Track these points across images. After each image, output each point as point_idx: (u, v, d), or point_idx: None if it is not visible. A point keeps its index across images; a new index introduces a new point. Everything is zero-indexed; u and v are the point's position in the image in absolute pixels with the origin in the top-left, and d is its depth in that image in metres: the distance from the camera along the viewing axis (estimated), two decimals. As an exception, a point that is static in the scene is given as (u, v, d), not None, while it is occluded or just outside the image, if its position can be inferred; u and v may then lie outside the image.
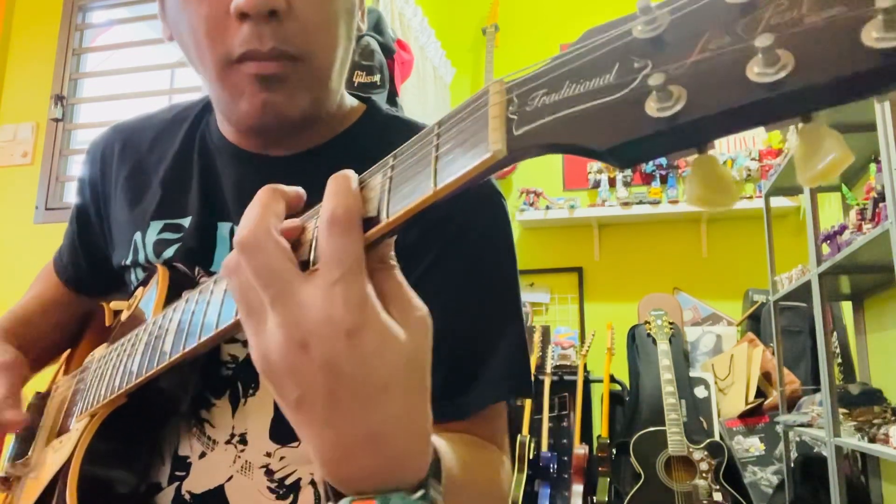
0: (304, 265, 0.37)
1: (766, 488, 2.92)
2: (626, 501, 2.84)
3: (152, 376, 0.57)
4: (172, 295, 0.65)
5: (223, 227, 0.72)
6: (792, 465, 2.83)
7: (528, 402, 3.19)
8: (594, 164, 3.83)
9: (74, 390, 0.76)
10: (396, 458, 0.37)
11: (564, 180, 3.88)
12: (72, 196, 3.11)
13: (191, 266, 0.72)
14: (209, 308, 0.49)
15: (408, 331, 0.36)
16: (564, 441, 3.23)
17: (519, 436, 3.08)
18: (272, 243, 0.36)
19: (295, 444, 0.66)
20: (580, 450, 3.06)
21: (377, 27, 2.52)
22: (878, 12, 0.21)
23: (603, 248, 3.74)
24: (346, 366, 0.34)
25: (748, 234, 3.49)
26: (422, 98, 3.09)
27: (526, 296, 3.68)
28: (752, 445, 3.02)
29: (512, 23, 4.02)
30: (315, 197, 0.39)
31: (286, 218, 0.39)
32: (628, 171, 3.77)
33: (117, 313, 0.79)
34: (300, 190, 0.41)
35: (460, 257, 0.67)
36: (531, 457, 3.08)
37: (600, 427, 3.20)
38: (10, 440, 0.82)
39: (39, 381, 0.87)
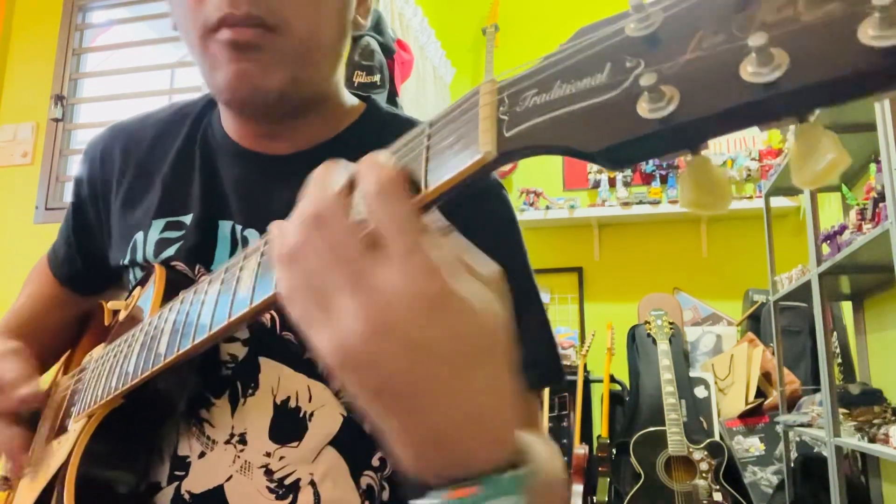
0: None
1: (766, 488, 2.92)
2: (626, 501, 2.84)
3: (147, 378, 0.57)
4: (170, 295, 0.65)
5: (224, 226, 0.72)
6: (792, 465, 2.83)
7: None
8: (594, 164, 3.82)
9: (73, 390, 0.76)
10: (495, 434, 0.34)
11: (564, 180, 3.88)
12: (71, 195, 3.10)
13: (191, 264, 0.72)
14: (203, 309, 0.49)
15: (489, 287, 0.34)
16: (564, 441, 3.23)
17: (519, 436, 3.08)
18: (345, 217, 0.33)
19: (294, 444, 0.66)
20: (580, 450, 3.05)
21: (377, 27, 2.52)
22: (875, 9, 0.20)
23: (603, 248, 3.74)
24: (433, 341, 0.32)
25: (748, 234, 3.49)
26: (422, 98, 3.08)
27: (526, 296, 3.67)
28: (752, 445, 3.01)
29: (512, 23, 4.02)
30: None
31: None
32: (628, 171, 3.77)
33: (115, 313, 0.79)
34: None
35: None
36: (531, 457, 3.08)
37: (600, 427, 3.20)
38: None
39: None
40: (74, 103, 3.20)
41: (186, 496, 0.66)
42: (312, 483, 0.66)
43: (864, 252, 2.04)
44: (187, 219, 0.73)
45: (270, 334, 0.67)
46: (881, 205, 1.99)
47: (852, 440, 2.11)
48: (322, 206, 0.34)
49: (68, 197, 3.13)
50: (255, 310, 0.42)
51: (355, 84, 2.41)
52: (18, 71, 3.24)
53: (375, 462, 0.68)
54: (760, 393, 3.08)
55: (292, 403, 0.67)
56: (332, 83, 0.74)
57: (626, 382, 3.37)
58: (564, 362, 3.37)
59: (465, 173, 0.31)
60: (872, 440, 2.03)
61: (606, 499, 2.91)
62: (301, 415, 0.66)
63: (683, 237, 3.63)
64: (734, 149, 3.70)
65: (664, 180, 3.69)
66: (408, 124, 0.77)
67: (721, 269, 3.55)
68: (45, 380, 0.87)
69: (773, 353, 3.01)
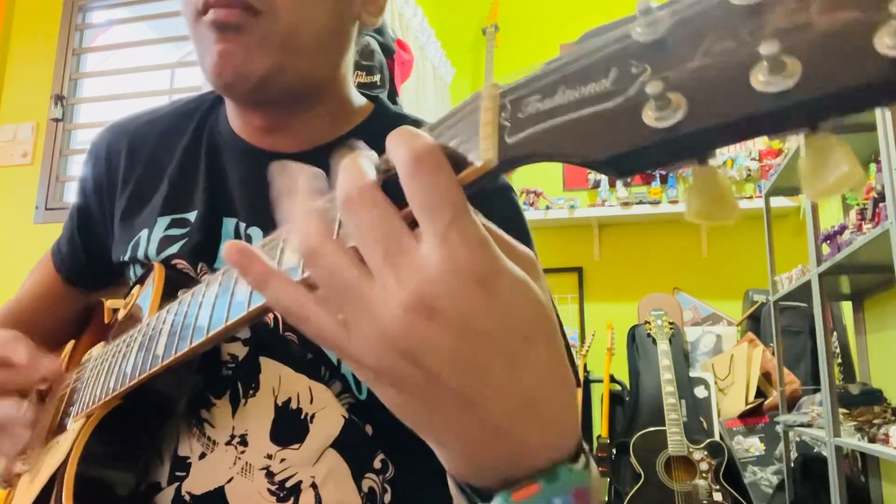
0: None
1: (766, 488, 2.92)
2: (626, 501, 2.84)
3: (145, 380, 0.57)
4: (168, 294, 0.65)
5: (228, 223, 0.72)
6: (792, 465, 2.82)
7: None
8: (594, 165, 3.82)
9: (72, 389, 0.76)
10: (554, 424, 0.32)
11: (564, 180, 3.88)
12: (72, 196, 3.11)
13: (194, 262, 0.71)
14: (201, 311, 0.49)
15: (529, 273, 0.32)
16: (564, 441, 3.22)
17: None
18: (378, 197, 0.31)
19: (296, 446, 0.66)
20: (580, 450, 3.05)
21: (377, 27, 2.52)
22: (892, 18, 0.20)
23: (603, 248, 3.74)
24: (484, 321, 0.29)
25: (748, 234, 3.49)
26: (422, 98, 3.08)
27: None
28: (752, 445, 3.01)
29: (512, 23, 4.02)
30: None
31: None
32: (628, 171, 3.77)
33: (115, 311, 0.79)
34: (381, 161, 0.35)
35: None
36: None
37: (600, 427, 3.20)
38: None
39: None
40: (74, 103, 3.20)
41: (187, 497, 0.66)
42: (314, 485, 0.65)
43: (864, 252, 2.04)
44: (192, 216, 0.73)
45: (272, 334, 0.67)
46: (881, 205, 1.99)
47: (852, 440, 2.11)
48: (351, 188, 0.31)
49: (68, 197, 3.15)
50: (252, 313, 0.42)
51: (355, 84, 2.41)
52: (18, 71, 3.24)
53: (377, 464, 0.67)
54: (760, 393, 3.08)
55: (293, 405, 0.66)
56: (334, 79, 0.73)
57: (626, 382, 3.37)
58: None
59: (464, 180, 0.30)
60: (872, 440, 2.03)
61: (606, 499, 2.91)
62: (302, 416, 0.66)
63: (683, 237, 3.63)
64: (734, 149, 3.69)
65: (664, 180, 3.69)
66: (415, 125, 0.77)
67: (721, 269, 3.55)
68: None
69: (773, 353, 3.01)
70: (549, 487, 0.31)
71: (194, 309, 0.50)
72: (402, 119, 0.78)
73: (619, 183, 3.72)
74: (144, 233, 0.75)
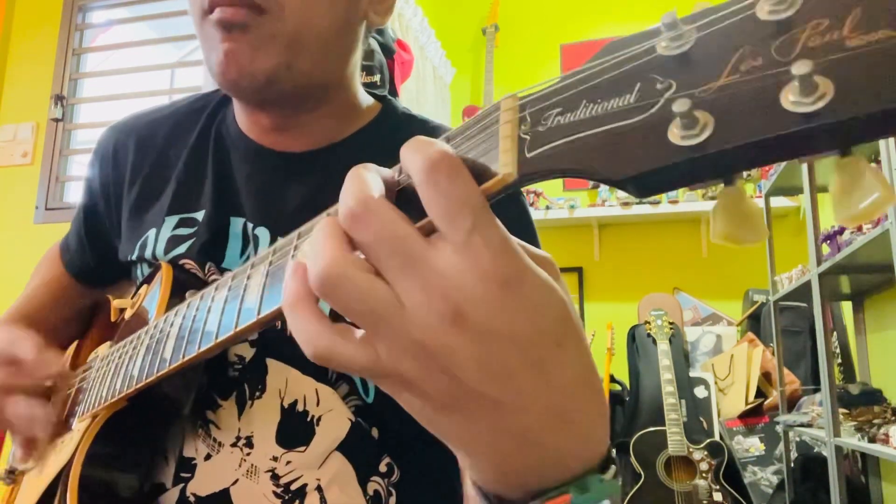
0: None
1: (766, 488, 2.92)
2: (625, 501, 2.84)
3: (152, 383, 0.57)
4: (176, 294, 0.65)
5: (236, 223, 0.72)
6: (792, 465, 2.83)
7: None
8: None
9: (78, 388, 0.76)
10: (583, 431, 0.31)
11: (564, 180, 3.87)
12: (72, 196, 3.10)
13: (202, 262, 0.71)
14: (210, 316, 0.48)
15: (550, 274, 0.31)
16: (564, 441, 3.23)
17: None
18: (387, 207, 0.30)
19: (301, 448, 0.65)
20: (580, 450, 3.05)
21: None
22: None
23: (603, 248, 3.74)
24: (513, 326, 0.28)
25: (748, 234, 3.48)
26: (422, 98, 3.08)
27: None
28: (752, 445, 3.01)
29: (512, 23, 4.02)
30: (332, 195, 0.34)
31: None
32: (628, 171, 3.77)
33: (122, 310, 0.79)
34: (391, 172, 0.34)
35: None
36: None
37: (600, 427, 3.20)
38: (9, 442, 0.82)
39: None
40: (74, 103, 3.20)
41: (192, 498, 0.66)
42: (319, 489, 0.65)
43: (864, 252, 2.04)
44: (199, 215, 0.73)
45: (279, 335, 0.66)
46: (881, 205, 1.98)
47: (852, 440, 2.11)
48: (354, 202, 0.30)
49: (68, 197, 3.14)
50: (261, 321, 0.41)
51: (355, 84, 2.41)
52: (18, 71, 3.23)
53: (383, 468, 0.67)
54: (760, 393, 3.08)
55: (300, 407, 0.66)
56: (341, 79, 0.73)
57: (626, 382, 3.37)
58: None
59: (484, 193, 0.29)
60: (872, 440, 2.03)
61: (606, 499, 2.91)
62: (308, 419, 0.66)
63: (683, 237, 3.63)
64: (734, 149, 3.70)
65: (664, 180, 3.69)
66: (423, 126, 0.77)
67: (721, 269, 3.55)
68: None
69: (773, 353, 3.01)
70: (581, 498, 0.30)
71: (203, 313, 0.50)
72: (410, 119, 0.78)
73: (618, 183, 3.71)
74: (152, 232, 0.75)
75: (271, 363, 0.67)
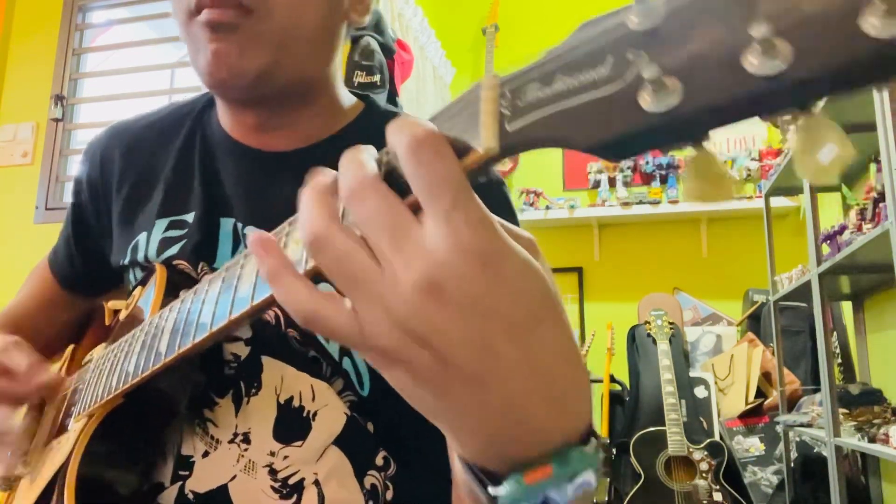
0: None
1: (766, 488, 2.92)
2: (626, 501, 2.84)
3: (147, 377, 0.57)
4: (170, 294, 0.65)
5: (226, 223, 0.72)
6: (792, 465, 2.83)
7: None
8: (594, 164, 3.83)
9: (73, 389, 0.76)
10: (565, 403, 0.32)
11: (564, 180, 3.88)
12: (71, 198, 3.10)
13: (195, 262, 0.72)
14: (203, 307, 0.49)
15: (531, 253, 0.32)
16: (564, 441, 3.22)
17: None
18: (382, 187, 0.31)
19: (298, 443, 0.66)
20: (580, 450, 3.05)
21: (377, 27, 2.52)
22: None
23: (603, 248, 3.74)
24: (492, 299, 0.29)
25: (748, 234, 3.49)
26: (422, 98, 3.08)
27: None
28: (752, 445, 3.01)
29: (512, 23, 4.02)
30: None
31: None
32: (628, 171, 3.77)
33: (116, 312, 0.79)
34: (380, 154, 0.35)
35: None
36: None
37: (600, 427, 3.20)
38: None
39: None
40: (74, 103, 3.21)
41: (190, 496, 0.66)
42: (317, 483, 0.66)
43: (864, 252, 2.04)
44: (189, 217, 0.74)
45: (274, 332, 0.67)
46: (881, 205, 1.99)
47: (852, 440, 2.11)
48: (353, 179, 0.32)
49: (68, 197, 3.14)
50: (255, 308, 0.42)
51: (355, 84, 2.41)
52: (18, 71, 3.24)
53: (379, 461, 0.68)
54: (760, 393, 3.08)
55: (296, 403, 0.66)
56: (325, 77, 0.74)
57: (626, 382, 3.37)
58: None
59: (466, 168, 0.30)
60: (872, 440, 2.03)
61: (606, 499, 2.91)
62: (305, 414, 0.66)
63: (683, 237, 3.63)
64: (734, 149, 3.70)
65: (664, 180, 3.69)
66: None
67: (721, 269, 3.55)
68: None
69: (773, 353, 3.01)
70: (561, 470, 0.31)
71: (197, 306, 0.50)
72: (394, 116, 0.78)
73: (619, 183, 3.72)
74: (143, 235, 0.75)
75: (266, 361, 0.67)
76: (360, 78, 2.42)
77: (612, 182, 3.76)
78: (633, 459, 2.91)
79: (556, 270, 3.12)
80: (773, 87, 0.22)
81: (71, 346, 0.91)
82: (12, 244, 2.99)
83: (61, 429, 0.74)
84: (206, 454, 0.67)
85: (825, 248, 2.39)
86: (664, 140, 0.25)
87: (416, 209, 0.31)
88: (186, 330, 0.51)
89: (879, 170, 1.94)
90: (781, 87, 0.22)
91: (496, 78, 0.30)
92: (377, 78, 2.43)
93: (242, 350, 0.68)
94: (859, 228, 2.18)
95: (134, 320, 0.69)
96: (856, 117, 2.19)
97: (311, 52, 0.69)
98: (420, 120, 0.31)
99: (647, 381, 3.15)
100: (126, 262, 0.76)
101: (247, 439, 0.67)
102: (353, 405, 0.67)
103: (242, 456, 0.66)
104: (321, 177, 0.35)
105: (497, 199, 0.72)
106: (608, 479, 2.99)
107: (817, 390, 2.66)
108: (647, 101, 0.24)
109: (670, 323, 3.22)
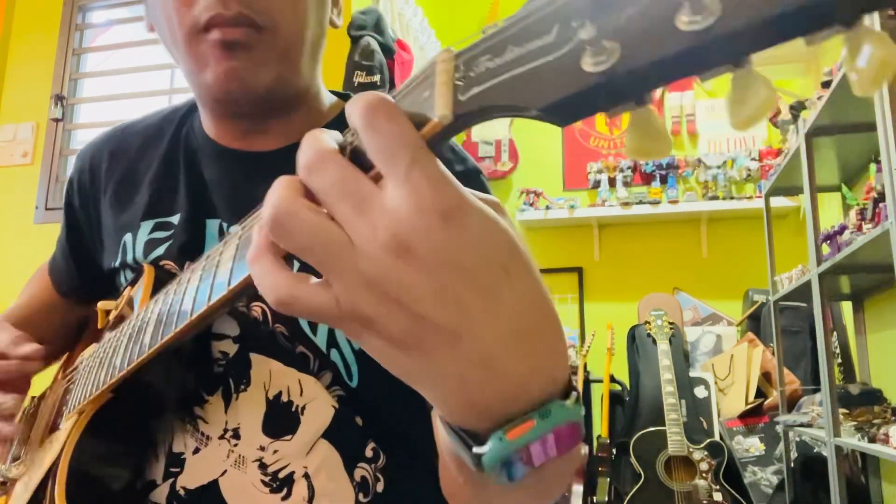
0: None
1: (766, 488, 2.92)
2: (626, 501, 2.84)
3: (134, 369, 0.57)
4: (157, 292, 0.66)
5: (211, 224, 0.73)
6: (792, 465, 2.82)
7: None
8: (594, 164, 3.83)
9: (65, 389, 0.76)
10: (541, 354, 0.32)
11: (564, 180, 3.88)
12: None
13: (181, 263, 0.72)
14: (185, 297, 0.49)
15: (495, 211, 0.32)
16: (564, 441, 3.22)
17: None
18: (339, 158, 0.32)
19: (287, 437, 0.67)
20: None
21: (377, 27, 2.52)
22: None
23: (603, 248, 3.74)
24: (457, 254, 0.30)
25: (748, 234, 3.49)
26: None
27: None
28: (752, 445, 3.01)
29: (512, 23, 4.02)
30: None
31: None
32: (628, 171, 3.77)
33: (108, 313, 0.79)
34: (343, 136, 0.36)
35: None
36: (531, 457, 3.08)
37: (600, 427, 3.20)
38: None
39: (38, 386, 0.87)
40: (74, 103, 3.21)
41: (182, 492, 0.66)
42: (307, 476, 0.66)
43: (864, 252, 2.04)
44: (175, 219, 0.75)
45: (262, 329, 0.68)
46: (881, 205, 1.98)
47: (852, 440, 2.11)
48: (310, 153, 0.32)
49: (67, 197, 3.14)
50: (233, 291, 0.42)
51: (355, 84, 2.41)
52: (18, 71, 3.24)
53: (369, 454, 0.68)
54: (760, 393, 3.08)
55: (284, 398, 0.67)
56: (314, 82, 0.75)
57: (626, 382, 3.37)
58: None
59: (424, 137, 0.31)
60: (872, 440, 2.02)
61: (606, 499, 2.91)
62: (293, 409, 0.67)
63: (683, 237, 3.63)
64: (734, 149, 3.70)
65: (664, 180, 3.69)
66: None
67: (721, 269, 3.55)
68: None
69: (773, 353, 3.01)
70: (543, 423, 0.31)
71: (179, 296, 0.51)
72: None
73: (619, 183, 3.72)
74: (129, 237, 0.76)
75: (254, 357, 0.68)
76: (360, 78, 2.42)
77: (612, 182, 3.76)
78: (633, 459, 2.91)
79: (556, 270, 3.11)
80: (704, 42, 0.23)
81: (66, 356, 0.92)
82: (12, 244, 2.99)
83: (53, 428, 0.74)
84: (196, 451, 0.67)
85: (825, 248, 2.39)
86: (607, 100, 0.26)
87: (376, 180, 0.32)
88: (169, 320, 0.52)
89: (879, 170, 1.93)
90: (713, 41, 0.23)
91: (450, 51, 0.31)
92: (377, 78, 2.43)
93: (231, 347, 0.68)
94: (859, 228, 2.18)
95: (123, 320, 0.69)
96: (856, 117, 2.19)
97: (309, 62, 0.71)
98: (376, 92, 0.32)
99: (647, 381, 3.15)
100: (117, 264, 0.77)
101: (237, 435, 0.67)
102: (342, 399, 0.68)
103: (232, 451, 0.67)
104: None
105: (475, 187, 0.73)
106: (608, 479, 2.99)
107: (817, 390, 2.65)
108: (588, 63, 0.25)
109: (670, 323, 3.22)
